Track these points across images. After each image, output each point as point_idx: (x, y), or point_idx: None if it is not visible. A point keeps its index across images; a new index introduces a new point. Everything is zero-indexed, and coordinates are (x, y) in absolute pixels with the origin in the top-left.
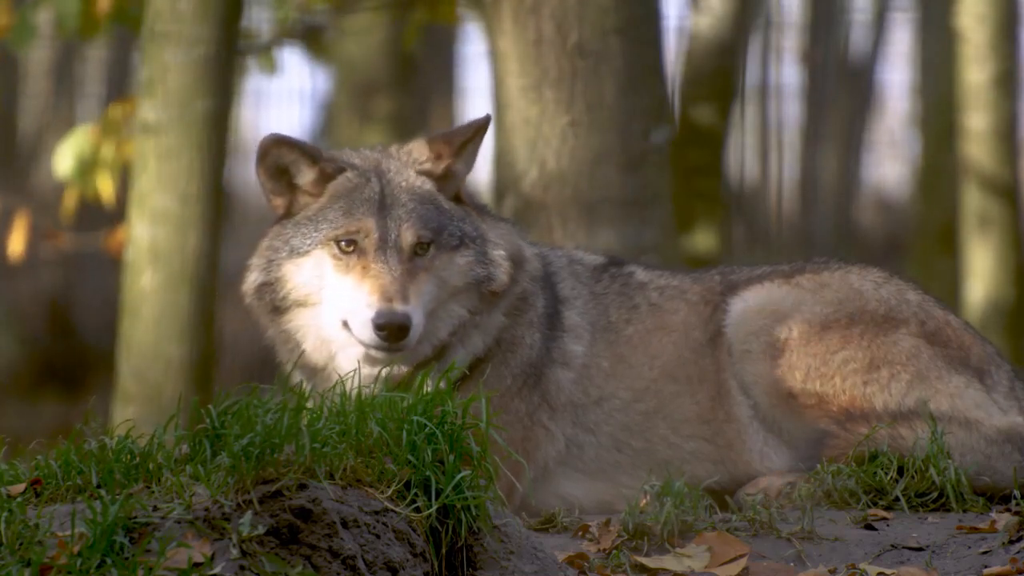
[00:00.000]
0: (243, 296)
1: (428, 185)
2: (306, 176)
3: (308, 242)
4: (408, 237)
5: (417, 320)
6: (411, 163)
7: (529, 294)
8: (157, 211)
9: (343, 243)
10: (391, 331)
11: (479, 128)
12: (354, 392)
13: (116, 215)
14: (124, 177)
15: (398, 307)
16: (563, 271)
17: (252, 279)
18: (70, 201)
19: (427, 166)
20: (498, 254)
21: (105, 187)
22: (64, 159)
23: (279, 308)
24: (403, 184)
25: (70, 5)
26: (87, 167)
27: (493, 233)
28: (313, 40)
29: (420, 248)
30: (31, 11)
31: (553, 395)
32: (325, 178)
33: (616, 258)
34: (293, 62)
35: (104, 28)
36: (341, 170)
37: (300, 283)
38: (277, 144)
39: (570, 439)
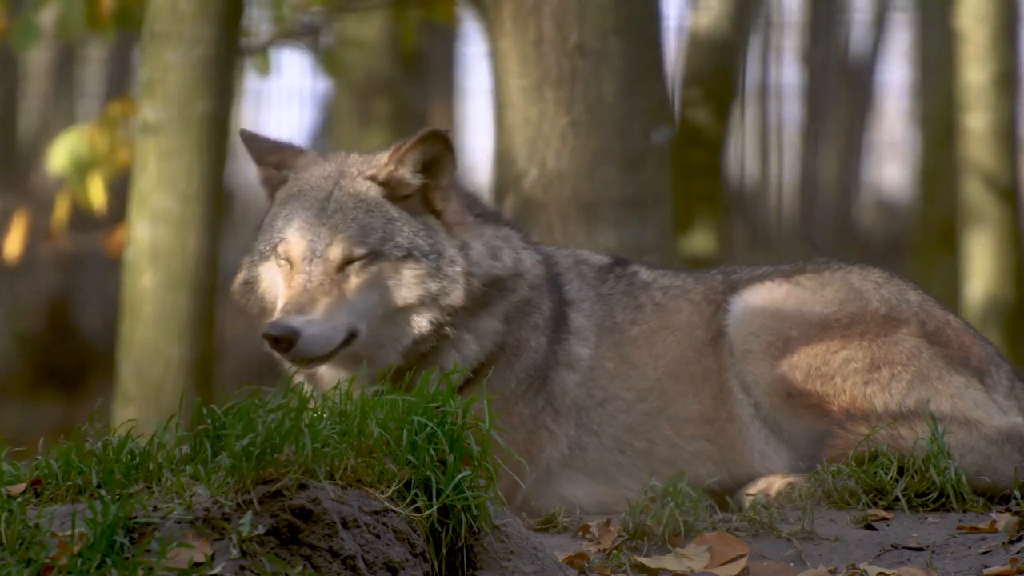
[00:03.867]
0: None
1: (374, 192)
2: (260, 176)
3: (265, 248)
4: (335, 249)
5: (310, 332)
6: (364, 170)
7: (532, 299)
8: (157, 211)
9: (280, 252)
10: (271, 341)
11: (423, 138)
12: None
13: (115, 215)
14: (119, 179)
15: (289, 319)
16: (569, 272)
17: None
18: (62, 209)
19: (371, 172)
20: (454, 271)
21: (96, 194)
22: (58, 157)
23: (264, 309)
24: (351, 191)
25: (75, 6)
26: (82, 167)
27: (478, 243)
28: (317, 46)
29: (353, 258)
30: (34, 12)
31: (558, 398)
32: (270, 182)
33: (621, 258)
34: (293, 62)
35: (107, 28)
36: (284, 179)
37: (267, 286)
38: (242, 137)
39: (573, 441)
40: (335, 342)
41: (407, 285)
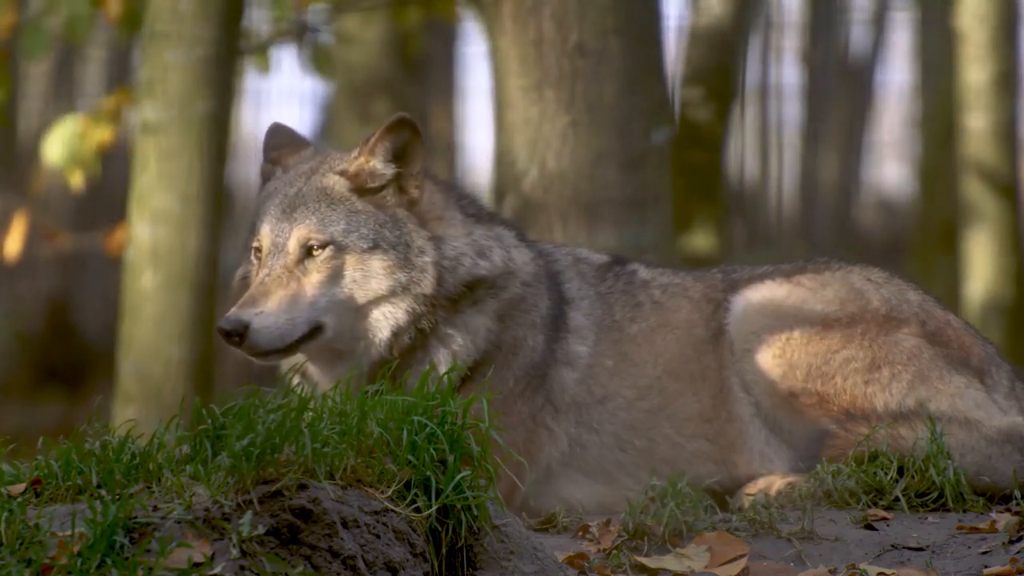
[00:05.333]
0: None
1: (341, 186)
2: (260, 170)
3: (249, 244)
4: (292, 240)
5: (260, 324)
6: (335, 165)
7: (526, 297)
8: (157, 211)
9: (254, 248)
10: (224, 335)
11: (391, 125)
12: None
13: (116, 215)
14: (105, 167)
15: (241, 313)
16: (569, 270)
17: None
18: (38, 182)
19: (341, 166)
20: (423, 260)
21: (75, 175)
22: (53, 147)
23: None
24: (318, 186)
25: (81, 8)
26: (72, 151)
27: (463, 240)
28: (315, 46)
29: (313, 250)
30: (44, 18)
31: (557, 396)
32: (264, 177)
33: (620, 257)
34: (293, 62)
35: (122, 34)
36: (269, 176)
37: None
38: (268, 130)
39: (573, 439)
40: (293, 335)
41: (376, 276)
